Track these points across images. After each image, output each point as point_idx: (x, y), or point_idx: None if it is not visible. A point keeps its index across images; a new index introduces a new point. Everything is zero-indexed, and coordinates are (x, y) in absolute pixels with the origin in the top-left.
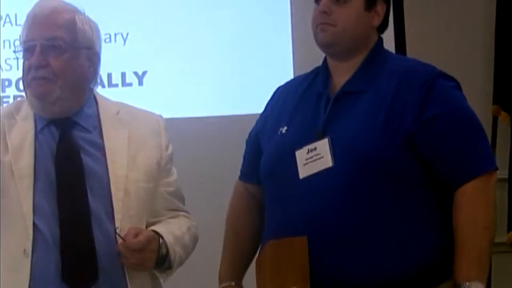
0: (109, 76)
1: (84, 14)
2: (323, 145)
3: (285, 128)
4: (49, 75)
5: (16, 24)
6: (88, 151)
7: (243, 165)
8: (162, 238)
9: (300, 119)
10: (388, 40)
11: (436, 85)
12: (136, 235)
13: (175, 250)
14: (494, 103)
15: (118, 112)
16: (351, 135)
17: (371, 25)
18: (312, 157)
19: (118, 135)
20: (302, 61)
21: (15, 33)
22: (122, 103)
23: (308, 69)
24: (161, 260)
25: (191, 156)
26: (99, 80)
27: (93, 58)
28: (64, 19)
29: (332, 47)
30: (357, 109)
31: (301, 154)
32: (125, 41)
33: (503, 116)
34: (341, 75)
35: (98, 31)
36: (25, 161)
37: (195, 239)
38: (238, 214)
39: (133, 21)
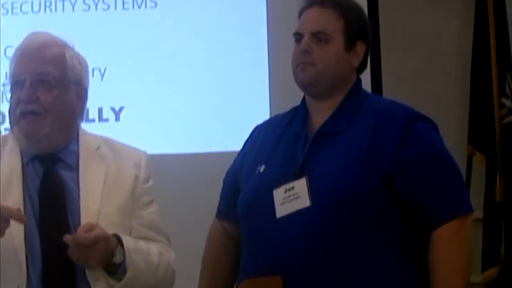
0: (86, 111)
1: (73, 49)
2: (301, 185)
3: (263, 167)
4: (39, 110)
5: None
6: (71, 188)
7: (220, 203)
8: (122, 245)
9: (279, 158)
10: (365, 80)
11: (414, 127)
12: (89, 230)
13: (134, 259)
14: (469, 143)
15: (98, 147)
16: (329, 175)
17: (350, 65)
18: (289, 196)
19: (94, 170)
20: (279, 99)
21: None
22: (106, 138)
23: (285, 107)
24: (114, 266)
25: (168, 193)
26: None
27: (81, 94)
28: (53, 54)
29: (312, 87)
30: (335, 149)
31: (278, 193)
32: (102, 76)
33: (478, 156)
34: (320, 115)
35: (86, 66)
36: (15, 197)
37: (168, 267)
38: (214, 252)
39: (111, 56)
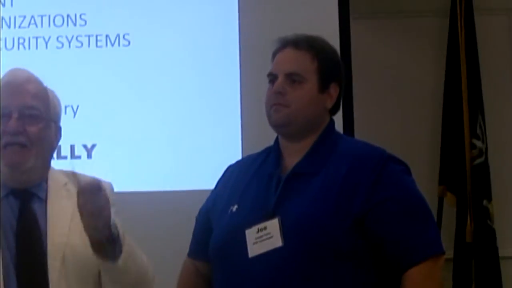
0: (58, 148)
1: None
2: (273, 225)
3: (236, 206)
4: (26, 142)
5: None
6: (43, 224)
7: (192, 242)
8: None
9: (251, 198)
10: (337, 120)
11: (387, 169)
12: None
13: (126, 238)
14: (440, 183)
15: (66, 184)
16: (302, 216)
17: (324, 107)
18: (262, 236)
19: (63, 204)
20: (251, 139)
21: None
22: (72, 173)
23: (257, 147)
24: (112, 240)
25: (139, 231)
26: None
27: (57, 132)
28: (38, 89)
29: (285, 128)
30: (308, 190)
31: (251, 233)
32: (75, 113)
33: (449, 197)
34: (293, 156)
35: (61, 106)
36: None
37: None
38: None
39: (84, 94)
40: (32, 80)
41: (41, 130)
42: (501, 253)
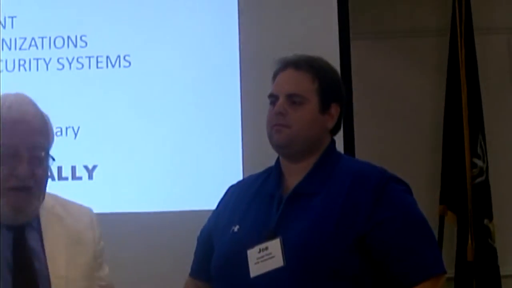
0: (59, 169)
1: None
2: (274, 245)
3: (237, 226)
4: (33, 185)
5: None
6: (37, 252)
7: (194, 262)
8: None
9: (253, 218)
10: (337, 140)
11: (388, 189)
12: None
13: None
14: (441, 203)
15: (53, 206)
16: (303, 236)
17: (325, 127)
18: (263, 256)
19: (55, 232)
20: (252, 159)
21: None
22: (55, 196)
23: (257, 168)
24: None
25: (141, 251)
26: None
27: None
28: (43, 124)
29: (287, 149)
30: (309, 210)
31: (252, 253)
32: (76, 134)
33: (449, 216)
34: (294, 176)
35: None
36: None
37: None
38: None
39: (85, 115)
40: (38, 115)
41: (45, 169)
42: (502, 271)
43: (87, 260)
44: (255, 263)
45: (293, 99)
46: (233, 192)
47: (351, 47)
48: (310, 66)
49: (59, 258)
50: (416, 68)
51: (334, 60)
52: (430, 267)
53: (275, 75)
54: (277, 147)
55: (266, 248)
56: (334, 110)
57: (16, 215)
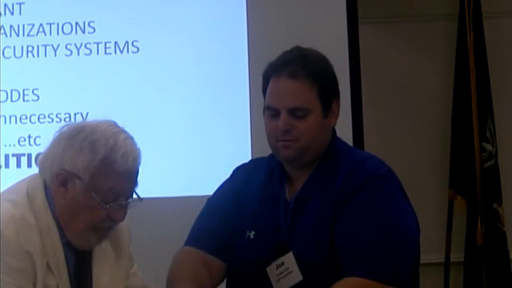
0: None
1: None
2: (289, 260)
3: (253, 233)
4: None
5: None
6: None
7: (199, 228)
8: None
9: (264, 227)
10: (346, 124)
11: (367, 189)
12: None
13: None
14: (450, 187)
15: None
16: (310, 248)
17: (330, 127)
18: (282, 272)
19: (102, 250)
20: (261, 145)
21: None
22: None
23: (266, 152)
24: None
25: (149, 236)
26: None
27: None
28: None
29: (296, 161)
30: (312, 216)
31: (271, 270)
32: (84, 120)
33: (459, 200)
34: (299, 179)
35: None
36: (64, 282)
37: None
38: (191, 269)
39: (93, 101)
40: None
41: None
42: None
43: (125, 272)
44: (277, 281)
45: (297, 113)
46: (242, 183)
47: (359, 31)
48: (307, 72)
49: (103, 278)
50: (425, 52)
51: (342, 44)
52: (375, 269)
53: (267, 79)
54: (285, 161)
55: (283, 264)
56: (336, 105)
57: (94, 246)
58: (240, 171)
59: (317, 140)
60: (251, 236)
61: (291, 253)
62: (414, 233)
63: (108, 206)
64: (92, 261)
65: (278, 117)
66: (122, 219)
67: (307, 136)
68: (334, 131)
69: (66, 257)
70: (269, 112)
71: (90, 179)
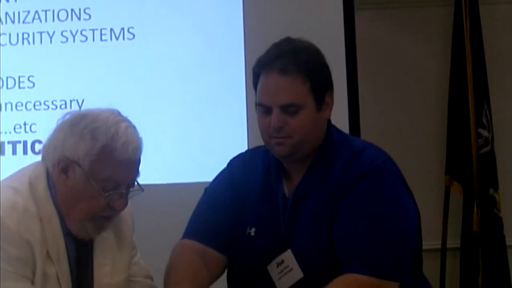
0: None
1: None
2: (289, 257)
3: (254, 230)
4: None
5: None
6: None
7: (198, 221)
8: None
9: (264, 224)
10: (343, 112)
11: (362, 183)
12: None
13: None
14: (446, 173)
15: None
16: (308, 246)
17: (324, 119)
18: (283, 270)
19: (104, 239)
20: (257, 132)
21: None
22: None
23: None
24: None
25: (148, 223)
26: None
27: None
28: (140, 157)
29: (291, 157)
30: (310, 213)
31: (272, 269)
32: (80, 107)
33: (455, 186)
34: (296, 173)
35: None
36: (64, 271)
37: None
38: (190, 262)
39: (89, 88)
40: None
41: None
42: (508, 241)
43: (128, 261)
44: (279, 278)
45: (289, 110)
46: (240, 178)
47: (355, 18)
48: (297, 66)
49: (104, 267)
50: (421, 38)
51: (338, 31)
52: (374, 265)
53: (257, 74)
54: (280, 157)
55: (282, 262)
56: (329, 97)
57: (93, 236)
58: (237, 162)
59: (311, 135)
60: (252, 233)
61: (289, 250)
62: (412, 224)
63: (107, 194)
64: (94, 250)
65: (270, 114)
66: (122, 208)
67: (300, 132)
68: (329, 121)
69: (67, 247)
70: (261, 109)
71: (90, 167)
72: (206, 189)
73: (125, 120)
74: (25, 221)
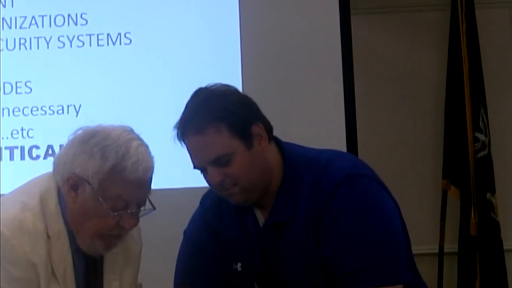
0: (61, 148)
1: None
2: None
3: (240, 264)
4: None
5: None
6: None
7: (186, 269)
8: None
9: (246, 258)
10: (339, 116)
11: (336, 198)
12: None
13: None
14: (443, 177)
15: None
16: (303, 269)
17: (262, 152)
18: None
19: (114, 255)
20: None
21: None
22: None
23: None
24: None
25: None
26: None
27: None
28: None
29: (250, 201)
30: (286, 242)
31: None
32: (77, 113)
33: (452, 191)
34: (267, 201)
35: None
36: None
37: None
38: None
39: (86, 93)
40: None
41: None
42: (506, 246)
43: (134, 276)
44: None
45: (220, 162)
46: (214, 217)
47: (351, 22)
48: (209, 119)
49: (113, 283)
50: (418, 42)
51: (334, 35)
52: (374, 276)
53: (181, 138)
54: (239, 205)
55: None
56: (258, 129)
57: (103, 253)
58: (208, 202)
59: (255, 174)
60: (239, 268)
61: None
62: (395, 220)
63: (116, 214)
64: (104, 266)
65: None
66: (131, 227)
67: (243, 176)
68: (278, 142)
69: (75, 263)
70: (199, 170)
71: (99, 185)
72: (184, 233)
73: (137, 138)
74: (32, 241)
